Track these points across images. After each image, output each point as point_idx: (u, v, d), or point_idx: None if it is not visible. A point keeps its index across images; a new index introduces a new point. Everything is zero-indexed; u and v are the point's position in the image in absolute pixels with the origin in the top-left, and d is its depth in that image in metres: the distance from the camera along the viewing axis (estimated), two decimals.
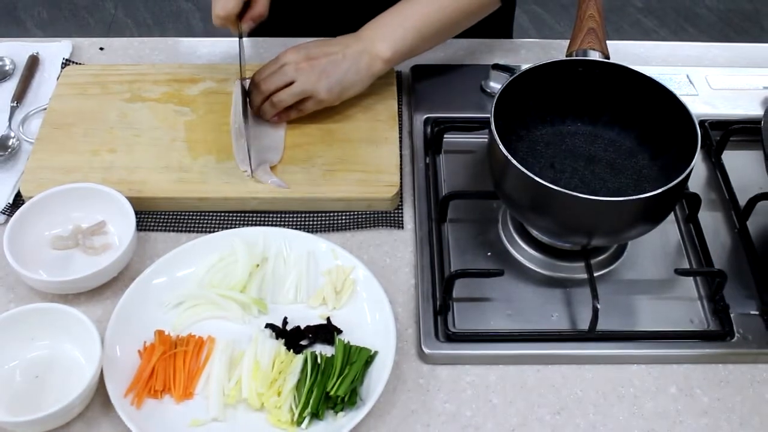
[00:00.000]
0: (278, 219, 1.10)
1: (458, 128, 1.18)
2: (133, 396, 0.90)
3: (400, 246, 1.08)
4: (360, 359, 0.92)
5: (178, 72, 1.25)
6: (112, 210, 1.06)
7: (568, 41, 1.08)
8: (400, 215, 1.11)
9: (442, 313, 0.98)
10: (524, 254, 1.06)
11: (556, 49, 1.34)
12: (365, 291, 1.00)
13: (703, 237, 1.07)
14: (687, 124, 0.98)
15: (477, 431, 0.91)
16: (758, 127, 1.09)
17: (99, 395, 0.91)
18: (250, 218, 1.10)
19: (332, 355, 0.93)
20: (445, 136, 1.17)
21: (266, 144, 1.14)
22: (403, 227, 1.10)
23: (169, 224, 1.09)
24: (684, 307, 1.01)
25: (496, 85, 1.22)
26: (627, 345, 0.97)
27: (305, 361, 0.92)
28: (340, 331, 0.97)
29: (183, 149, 1.14)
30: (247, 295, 0.99)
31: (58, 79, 1.25)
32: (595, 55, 1.05)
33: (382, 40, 1.14)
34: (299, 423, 0.89)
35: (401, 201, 1.12)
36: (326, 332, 0.97)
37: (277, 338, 0.96)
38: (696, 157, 0.94)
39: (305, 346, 0.96)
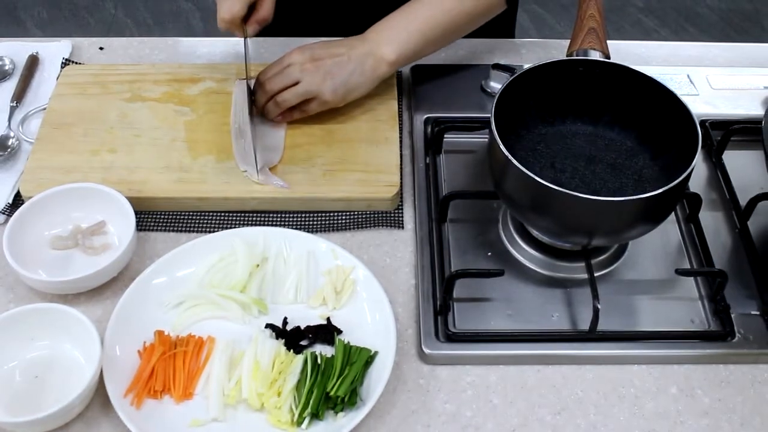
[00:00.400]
0: (278, 219, 1.10)
1: (458, 128, 1.18)
2: (133, 396, 0.90)
3: (401, 246, 1.08)
4: (360, 359, 0.92)
5: (178, 72, 1.25)
6: (112, 210, 1.06)
7: (569, 41, 1.08)
8: (400, 215, 1.11)
9: (442, 313, 0.98)
10: (524, 254, 1.05)
11: (556, 49, 1.33)
12: (365, 291, 1.00)
13: (703, 237, 1.06)
14: (688, 124, 0.98)
15: (477, 431, 0.91)
16: (759, 127, 1.09)
17: (99, 395, 0.91)
18: (250, 218, 1.10)
19: (332, 356, 0.93)
20: (445, 136, 1.17)
21: (266, 144, 1.14)
22: (403, 227, 1.10)
23: (169, 224, 1.09)
24: (685, 307, 1.01)
25: (496, 85, 1.22)
26: (628, 345, 0.97)
27: (305, 361, 0.92)
28: (340, 332, 0.97)
29: (183, 149, 1.14)
30: (247, 295, 0.99)
31: (57, 79, 1.25)
32: (595, 55, 1.05)
33: (387, 43, 1.14)
34: (299, 423, 0.88)
35: (401, 201, 1.12)
36: (326, 332, 0.96)
37: (277, 338, 0.96)
38: (697, 157, 0.94)
39: (305, 347, 0.96)
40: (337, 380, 0.90)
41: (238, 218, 1.10)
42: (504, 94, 1.00)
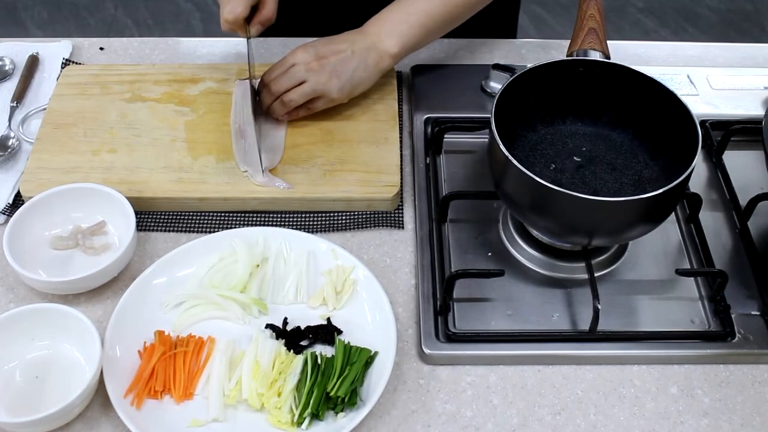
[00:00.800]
0: (278, 219, 1.10)
1: (459, 128, 1.18)
2: (133, 396, 0.90)
3: (401, 246, 1.08)
4: (360, 360, 0.92)
5: (178, 72, 1.25)
6: (112, 210, 1.06)
7: (569, 41, 1.08)
8: (400, 215, 1.11)
9: (442, 313, 0.98)
10: (525, 254, 1.05)
11: (556, 49, 1.33)
12: (365, 291, 1.00)
13: (704, 237, 1.06)
14: (688, 124, 0.98)
15: (477, 431, 0.91)
16: (759, 127, 1.09)
17: (99, 396, 0.91)
18: (250, 218, 1.10)
19: (332, 356, 0.93)
20: (445, 136, 1.17)
21: (267, 145, 1.14)
22: (403, 227, 1.10)
23: (169, 224, 1.09)
24: (685, 307, 1.01)
25: (496, 85, 1.22)
26: (628, 345, 0.97)
27: (305, 361, 0.92)
28: (340, 332, 0.97)
29: (183, 149, 1.14)
30: (247, 295, 0.99)
31: (58, 79, 1.25)
32: (595, 55, 1.05)
33: (388, 35, 1.14)
34: (299, 423, 0.88)
35: (401, 201, 1.12)
36: (326, 332, 0.96)
37: (277, 338, 0.96)
38: (697, 157, 0.94)
39: (305, 347, 0.96)
40: (337, 380, 0.90)
41: (238, 218, 1.10)
42: (504, 94, 1.00)
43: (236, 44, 1.35)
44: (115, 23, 3.11)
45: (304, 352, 0.94)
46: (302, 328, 0.97)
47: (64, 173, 1.11)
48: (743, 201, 1.10)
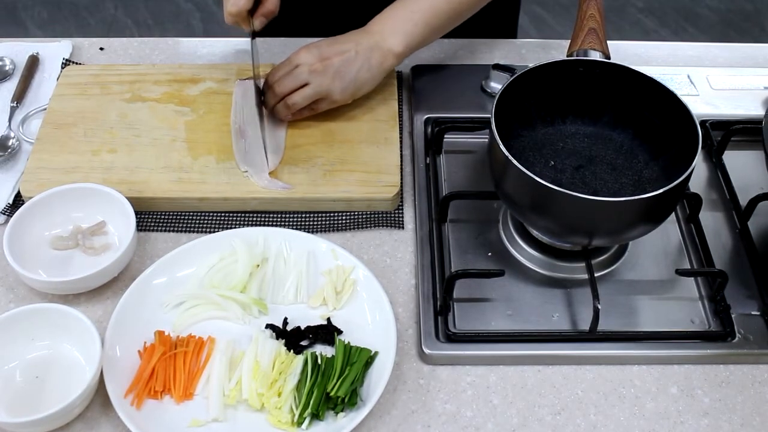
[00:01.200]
0: (278, 219, 1.10)
1: (459, 128, 1.18)
2: (133, 396, 0.90)
3: (401, 246, 1.08)
4: (360, 360, 0.92)
5: (178, 72, 1.25)
6: (112, 210, 1.06)
7: (569, 41, 1.08)
8: (400, 215, 1.11)
9: (442, 313, 0.98)
10: (525, 254, 1.05)
11: (556, 49, 1.33)
12: (365, 291, 1.00)
13: (704, 237, 1.06)
14: (688, 124, 0.98)
15: (477, 431, 0.91)
16: (759, 127, 1.09)
17: (99, 396, 0.91)
18: (250, 218, 1.10)
19: (332, 356, 0.93)
20: (445, 136, 1.17)
21: (267, 144, 1.14)
22: (403, 227, 1.10)
23: (169, 224, 1.09)
24: (685, 307, 1.01)
25: (496, 85, 1.22)
26: (628, 345, 0.97)
27: (305, 361, 0.92)
28: (340, 332, 0.97)
29: (183, 149, 1.14)
30: (247, 295, 0.99)
31: (58, 79, 1.25)
32: (595, 55, 1.05)
33: (392, 34, 1.13)
34: (299, 424, 0.88)
35: (402, 201, 1.12)
36: (326, 333, 0.96)
37: (277, 339, 0.96)
38: (697, 157, 0.94)
39: (305, 347, 0.96)
40: (337, 380, 0.90)
41: (238, 218, 1.10)
42: (504, 95, 1.00)
43: (236, 44, 1.35)
44: (115, 23, 3.11)
45: (304, 352, 0.94)
46: (302, 328, 0.97)
47: (64, 173, 1.11)
48: (743, 201, 1.10)
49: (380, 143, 1.15)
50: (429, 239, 1.06)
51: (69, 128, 1.17)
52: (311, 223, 1.10)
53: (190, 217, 1.10)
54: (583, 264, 1.02)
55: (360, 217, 1.10)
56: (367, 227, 1.09)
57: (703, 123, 1.17)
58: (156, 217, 1.10)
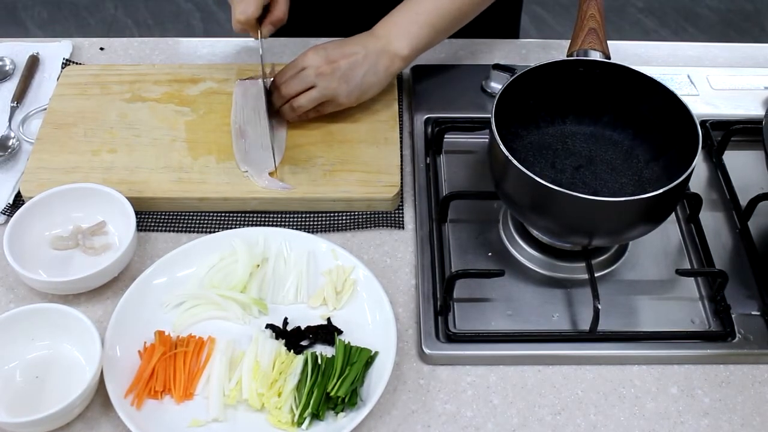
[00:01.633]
0: (278, 219, 1.10)
1: (459, 128, 1.18)
2: (134, 396, 0.90)
3: (401, 246, 1.08)
4: (360, 360, 0.92)
5: (178, 72, 1.25)
6: (112, 210, 1.06)
7: (569, 41, 1.08)
8: (400, 215, 1.11)
9: (442, 313, 0.98)
10: (525, 254, 1.05)
11: (556, 50, 1.33)
12: (365, 291, 1.00)
13: (704, 237, 1.06)
14: (688, 124, 0.98)
15: (477, 431, 0.91)
16: (759, 127, 1.09)
17: (99, 396, 0.91)
18: (250, 218, 1.10)
19: (333, 356, 0.93)
20: (445, 136, 1.17)
21: (267, 145, 1.14)
22: (403, 227, 1.10)
23: (169, 224, 1.09)
24: (685, 307, 1.01)
25: (496, 85, 1.22)
26: (628, 345, 0.97)
27: (306, 361, 0.92)
28: (340, 332, 0.97)
29: (183, 149, 1.14)
30: (247, 295, 0.99)
31: (58, 79, 1.25)
32: (595, 55, 1.05)
33: (398, 38, 1.13)
34: (300, 424, 0.88)
35: (402, 201, 1.12)
36: (327, 333, 0.96)
37: (277, 339, 0.96)
38: (697, 157, 0.94)
39: (306, 347, 0.96)
40: (337, 380, 0.90)
41: (238, 218, 1.10)
42: (504, 95, 1.00)
43: (236, 44, 1.35)
44: (115, 23, 3.11)
45: (305, 352, 0.94)
46: (302, 328, 0.97)
47: (64, 173, 1.11)
48: (743, 201, 1.10)
49: (380, 143, 1.15)
50: (429, 239, 1.06)
51: (69, 128, 1.17)
52: (311, 223, 1.10)
53: (190, 217, 1.10)
54: (583, 264, 1.02)
55: (360, 217, 1.10)
56: (367, 227, 1.09)
57: (703, 123, 1.17)
58: (156, 217, 1.10)
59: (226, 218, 1.10)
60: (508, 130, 0.99)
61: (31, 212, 1.04)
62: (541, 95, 1.06)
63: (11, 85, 1.26)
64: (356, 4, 1.34)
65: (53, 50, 1.32)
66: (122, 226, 1.05)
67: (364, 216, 1.10)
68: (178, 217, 1.10)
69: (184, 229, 1.09)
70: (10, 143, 1.18)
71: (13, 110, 1.22)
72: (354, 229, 1.09)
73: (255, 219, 1.10)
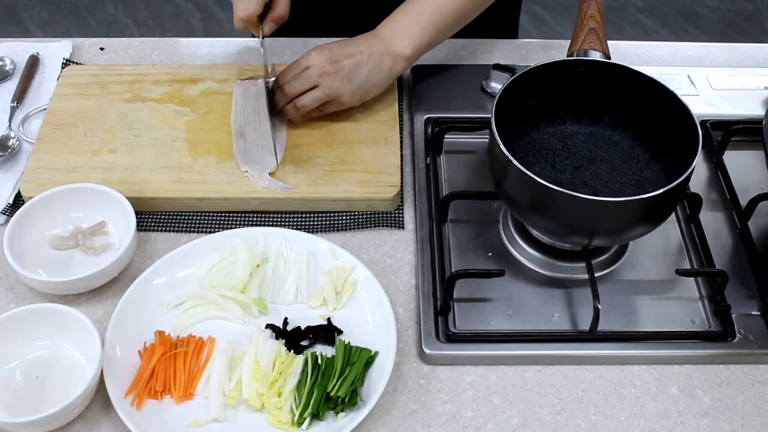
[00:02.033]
0: (278, 219, 1.10)
1: (459, 128, 1.18)
2: (134, 396, 0.90)
3: (401, 246, 1.08)
4: (360, 360, 0.92)
5: (178, 72, 1.25)
6: (112, 210, 1.06)
7: (569, 41, 1.08)
8: (400, 215, 1.11)
9: (442, 313, 0.98)
10: (525, 254, 1.05)
11: (556, 50, 1.33)
12: (366, 291, 1.00)
13: (704, 237, 1.06)
14: (688, 124, 0.98)
15: (477, 431, 0.91)
16: (759, 127, 1.09)
17: (99, 396, 0.91)
18: (250, 218, 1.10)
19: (333, 356, 0.93)
20: (445, 136, 1.17)
21: (268, 145, 1.14)
22: (403, 227, 1.10)
23: (169, 224, 1.09)
24: (685, 307, 1.01)
25: (496, 86, 1.22)
26: (628, 345, 0.97)
27: (306, 361, 0.92)
28: (340, 332, 0.97)
29: (183, 149, 1.14)
30: (247, 295, 0.99)
31: (58, 79, 1.25)
32: (596, 55, 1.05)
33: (401, 38, 1.14)
34: (300, 424, 0.88)
35: (402, 201, 1.12)
36: (327, 333, 0.96)
37: (277, 339, 0.96)
38: (697, 157, 0.94)
39: (306, 347, 0.96)
40: (337, 380, 0.90)
41: (238, 218, 1.10)
42: (504, 95, 1.00)
43: (236, 44, 1.35)
44: (115, 23, 3.11)
45: (305, 352, 0.94)
46: (302, 328, 0.97)
47: (64, 173, 1.11)
48: (743, 201, 1.10)
49: (380, 143, 1.15)
50: (429, 239, 1.06)
51: (69, 128, 1.17)
52: (311, 223, 1.10)
53: (190, 217, 1.10)
54: (584, 264, 1.02)
55: (360, 217, 1.10)
56: (367, 227, 1.09)
57: (703, 123, 1.17)
58: (156, 217, 1.10)
59: (226, 218, 1.10)
60: (508, 130, 0.99)
61: (31, 212, 1.04)
62: (541, 95, 1.06)
63: (11, 85, 1.26)
64: (357, 3, 1.34)
65: (53, 50, 1.32)
66: (122, 226, 1.05)
67: (364, 216, 1.10)
68: (178, 217, 1.10)
69: (184, 229, 1.09)
70: (10, 143, 1.18)
71: (13, 110, 1.22)
72: (354, 229, 1.09)
73: (255, 219, 1.10)
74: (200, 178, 1.11)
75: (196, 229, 1.09)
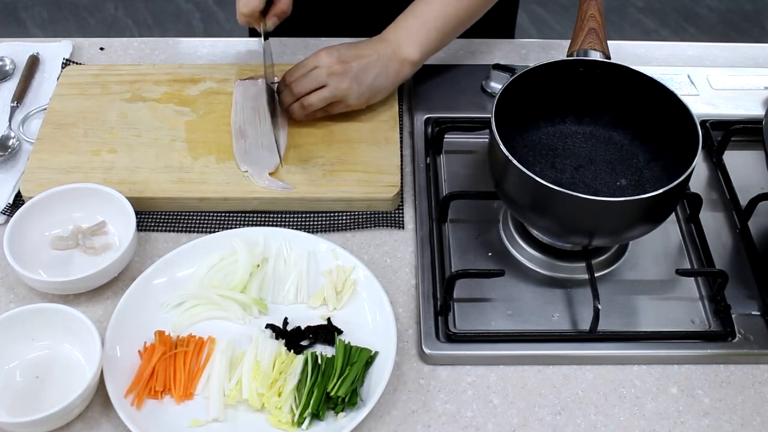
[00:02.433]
0: (278, 219, 1.10)
1: (459, 128, 1.18)
2: (134, 396, 0.90)
3: (401, 246, 1.08)
4: (360, 360, 0.92)
5: (178, 72, 1.25)
6: (112, 210, 1.06)
7: (569, 41, 1.08)
8: (400, 215, 1.11)
9: (442, 313, 0.98)
10: (525, 254, 1.05)
11: (556, 50, 1.33)
12: (366, 291, 1.00)
13: (704, 237, 1.06)
14: (688, 124, 0.98)
15: (477, 431, 0.91)
16: (759, 127, 1.09)
17: (99, 396, 0.91)
18: (251, 218, 1.10)
19: (333, 356, 0.93)
20: (445, 136, 1.17)
21: (268, 145, 1.14)
22: (403, 227, 1.10)
23: (169, 224, 1.09)
24: (685, 307, 1.01)
25: (496, 85, 1.22)
26: (628, 345, 0.97)
27: (306, 361, 0.92)
28: (340, 332, 0.97)
29: (183, 149, 1.14)
30: (247, 295, 0.99)
31: (58, 79, 1.25)
32: (596, 55, 1.05)
33: (407, 43, 1.14)
34: (300, 423, 0.88)
35: (402, 201, 1.12)
36: (327, 333, 0.96)
37: (277, 338, 0.96)
38: (697, 157, 0.94)
39: (306, 347, 0.96)
40: (337, 380, 0.90)
41: (238, 218, 1.10)
42: (504, 95, 1.00)
43: (236, 44, 1.35)
44: (115, 23, 3.11)
45: (305, 352, 0.94)
46: (302, 328, 0.97)
47: (65, 173, 1.11)
48: (743, 201, 1.10)
49: (380, 143, 1.15)
50: (429, 239, 1.06)
51: (69, 128, 1.17)
52: (311, 223, 1.10)
53: (190, 217, 1.10)
54: (584, 264, 1.02)
55: (360, 217, 1.10)
56: (367, 227, 1.09)
57: (703, 123, 1.17)
58: (156, 217, 1.10)
59: (226, 218, 1.10)
60: (508, 130, 0.99)
61: (31, 212, 1.04)
62: (541, 95, 1.06)
63: (11, 85, 1.26)
64: (357, 3, 1.34)
65: (53, 50, 1.32)
66: (122, 226, 1.05)
67: (364, 216, 1.10)
68: (178, 217, 1.10)
69: (184, 229, 1.09)
70: (10, 143, 1.18)
71: (13, 110, 1.22)
72: (354, 229, 1.09)
73: (255, 219, 1.10)
74: (200, 178, 1.11)
75: (196, 229, 1.09)
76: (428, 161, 1.16)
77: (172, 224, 1.09)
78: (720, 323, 0.99)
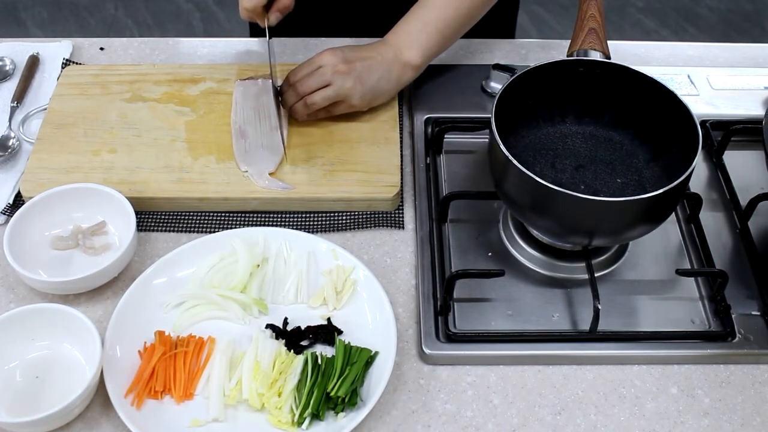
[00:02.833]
0: (278, 219, 1.10)
1: (459, 128, 1.18)
2: (134, 396, 0.90)
3: (401, 246, 1.08)
4: (360, 360, 0.92)
5: (178, 72, 1.25)
6: (112, 210, 1.06)
7: (569, 41, 1.08)
8: (400, 215, 1.11)
9: (442, 313, 0.98)
10: (525, 254, 1.05)
11: (556, 50, 1.33)
12: (366, 291, 1.00)
13: (704, 237, 1.06)
14: (688, 124, 0.98)
15: (477, 431, 0.91)
16: (759, 127, 1.09)
17: (99, 396, 0.91)
18: (251, 218, 1.10)
19: (333, 356, 0.93)
20: (445, 136, 1.17)
21: (268, 145, 1.14)
22: (403, 227, 1.10)
23: (169, 224, 1.09)
24: (685, 307, 1.01)
25: (496, 85, 1.22)
26: (628, 345, 0.97)
27: (306, 361, 0.92)
28: (340, 332, 0.97)
29: (183, 149, 1.14)
30: (247, 295, 0.99)
31: (58, 79, 1.25)
32: (596, 55, 1.05)
33: (409, 47, 1.15)
34: (300, 424, 0.88)
35: (402, 201, 1.12)
36: (327, 333, 0.96)
37: (277, 339, 0.96)
38: (697, 157, 0.94)
39: (306, 347, 0.96)
40: (337, 380, 0.90)
41: (238, 218, 1.10)
42: (504, 95, 1.00)
43: (236, 44, 1.35)
44: (115, 23, 3.11)
45: (305, 352, 0.94)
46: (302, 328, 0.97)
47: (65, 173, 1.11)
48: (743, 201, 1.10)
49: (380, 143, 1.15)
50: (429, 239, 1.06)
51: (69, 128, 1.17)
52: (311, 223, 1.10)
53: (190, 217, 1.10)
54: (584, 264, 1.02)
55: (360, 217, 1.10)
56: (367, 227, 1.09)
57: (703, 123, 1.17)
58: (156, 217, 1.10)
59: (226, 218, 1.10)
60: (508, 130, 0.99)
61: (31, 212, 1.04)
62: (541, 95, 1.06)
63: (11, 85, 1.26)
64: (358, 3, 1.34)
65: (53, 50, 1.32)
66: (122, 226, 1.05)
67: (364, 216, 1.10)
68: (178, 217, 1.10)
69: (184, 229, 1.09)
70: (10, 143, 1.18)
71: (13, 110, 1.22)
72: (354, 229, 1.09)
73: (255, 219, 1.10)
74: (200, 178, 1.11)
75: (196, 229, 1.09)
76: (428, 161, 1.16)
77: (172, 224, 1.09)
78: (720, 323, 0.99)
